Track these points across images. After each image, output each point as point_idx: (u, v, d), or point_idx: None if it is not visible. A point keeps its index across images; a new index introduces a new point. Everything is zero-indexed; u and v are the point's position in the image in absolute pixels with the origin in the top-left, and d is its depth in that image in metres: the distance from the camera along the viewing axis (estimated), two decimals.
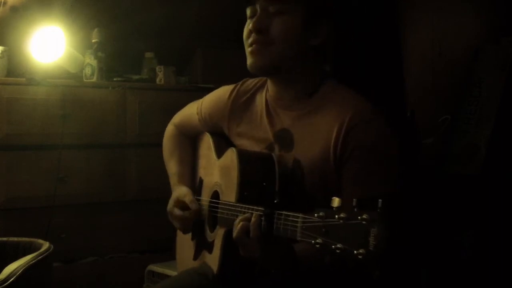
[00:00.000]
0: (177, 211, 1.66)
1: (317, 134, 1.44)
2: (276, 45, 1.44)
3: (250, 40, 1.48)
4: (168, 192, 1.78)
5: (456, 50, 2.81)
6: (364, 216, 1.03)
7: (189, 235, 1.75)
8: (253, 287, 1.47)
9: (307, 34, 1.46)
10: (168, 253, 1.92)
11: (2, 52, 2.51)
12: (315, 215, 1.11)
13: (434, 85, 2.90)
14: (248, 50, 1.49)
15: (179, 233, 1.86)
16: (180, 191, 1.70)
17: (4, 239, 2.01)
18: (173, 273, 2.29)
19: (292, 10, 1.44)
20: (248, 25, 1.49)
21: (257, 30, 1.45)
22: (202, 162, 1.77)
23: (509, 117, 2.42)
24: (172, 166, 1.81)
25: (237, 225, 1.32)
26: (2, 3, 2.56)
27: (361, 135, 1.39)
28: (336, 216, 1.07)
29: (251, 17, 1.49)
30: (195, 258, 1.67)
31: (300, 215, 1.17)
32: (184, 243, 1.78)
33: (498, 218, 2.30)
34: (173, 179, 1.79)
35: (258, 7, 1.47)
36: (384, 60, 2.93)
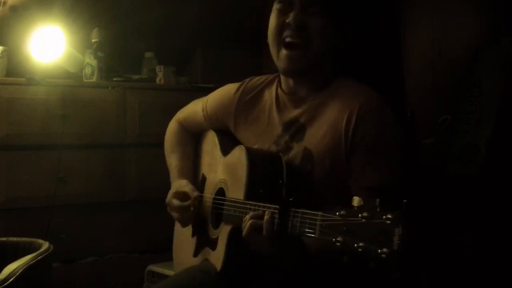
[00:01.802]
0: (176, 202, 1.66)
1: (327, 124, 1.46)
2: (314, 46, 1.46)
3: (286, 33, 1.47)
4: (168, 192, 1.78)
5: (456, 50, 2.81)
6: (389, 216, 1.03)
7: (189, 233, 1.74)
8: (255, 284, 1.47)
9: (336, 37, 1.49)
10: (168, 253, 1.92)
11: (2, 52, 2.51)
12: (336, 213, 1.11)
13: (434, 85, 2.90)
14: (283, 52, 1.48)
15: (177, 231, 1.86)
16: (180, 183, 1.70)
17: (4, 239, 2.01)
18: (172, 273, 2.28)
19: (327, 12, 1.46)
20: (278, 17, 1.49)
21: (298, 26, 1.45)
22: (205, 159, 1.77)
23: (509, 117, 2.42)
24: (172, 161, 1.81)
25: (247, 222, 1.31)
26: (2, 3, 2.55)
27: (370, 125, 1.41)
28: (359, 215, 1.07)
29: (283, 10, 1.49)
30: (196, 255, 1.67)
31: (320, 213, 1.17)
32: (183, 240, 1.78)
33: (498, 218, 2.30)
34: (173, 173, 1.79)
35: (296, 3, 1.46)
36: (384, 60, 2.92)
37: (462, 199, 2.37)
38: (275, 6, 1.51)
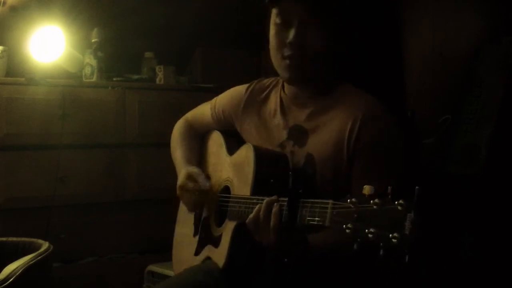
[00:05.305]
0: (191, 184, 1.65)
1: (330, 130, 1.48)
2: (313, 58, 1.47)
3: (287, 53, 1.48)
4: (168, 192, 1.78)
5: (456, 50, 2.81)
6: (401, 202, 1.04)
7: (190, 232, 1.75)
8: (258, 280, 1.47)
9: (337, 45, 1.51)
10: (168, 253, 1.92)
11: (2, 52, 2.50)
12: (348, 201, 1.12)
13: (434, 85, 2.90)
14: (284, 62, 1.49)
15: (177, 231, 1.87)
16: (192, 169, 1.70)
17: (4, 239, 2.01)
18: (172, 273, 2.28)
19: (327, 23, 1.47)
20: (279, 35, 1.49)
21: (299, 46, 1.46)
22: (211, 160, 1.79)
23: (510, 117, 2.42)
24: (179, 153, 1.81)
25: (256, 213, 1.32)
26: (1, 3, 2.55)
27: (373, 131, 1.43)
28: (371, 201, 1.08)
29: (282, 25, 1.48)
30: (197, 253, 1.67)
31: (330, 201, 1.18)
32: (184, 240, 1.78)
33: (498, 219, 2.30)
34: (180, 162, 1.78)
35: (295, 18, 1.46)
36: (384, 61, 2.92)
37: (462, 199, 2.37)
38: (274, 19, 1.51)
